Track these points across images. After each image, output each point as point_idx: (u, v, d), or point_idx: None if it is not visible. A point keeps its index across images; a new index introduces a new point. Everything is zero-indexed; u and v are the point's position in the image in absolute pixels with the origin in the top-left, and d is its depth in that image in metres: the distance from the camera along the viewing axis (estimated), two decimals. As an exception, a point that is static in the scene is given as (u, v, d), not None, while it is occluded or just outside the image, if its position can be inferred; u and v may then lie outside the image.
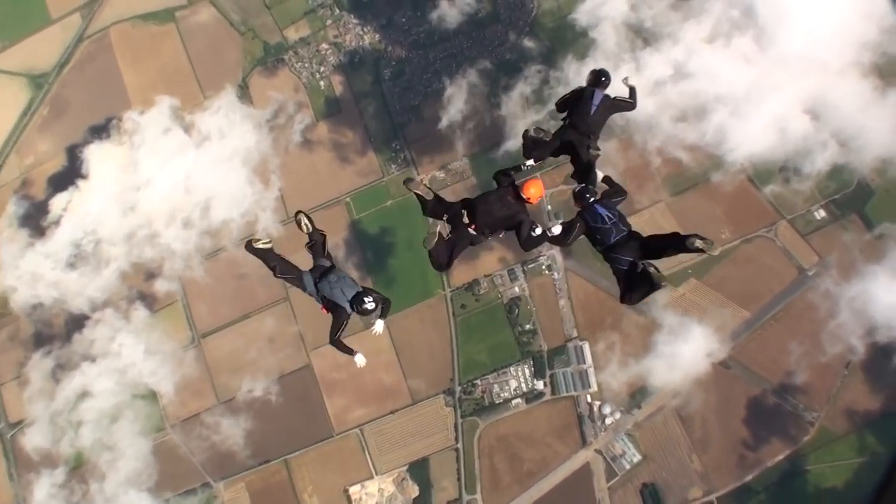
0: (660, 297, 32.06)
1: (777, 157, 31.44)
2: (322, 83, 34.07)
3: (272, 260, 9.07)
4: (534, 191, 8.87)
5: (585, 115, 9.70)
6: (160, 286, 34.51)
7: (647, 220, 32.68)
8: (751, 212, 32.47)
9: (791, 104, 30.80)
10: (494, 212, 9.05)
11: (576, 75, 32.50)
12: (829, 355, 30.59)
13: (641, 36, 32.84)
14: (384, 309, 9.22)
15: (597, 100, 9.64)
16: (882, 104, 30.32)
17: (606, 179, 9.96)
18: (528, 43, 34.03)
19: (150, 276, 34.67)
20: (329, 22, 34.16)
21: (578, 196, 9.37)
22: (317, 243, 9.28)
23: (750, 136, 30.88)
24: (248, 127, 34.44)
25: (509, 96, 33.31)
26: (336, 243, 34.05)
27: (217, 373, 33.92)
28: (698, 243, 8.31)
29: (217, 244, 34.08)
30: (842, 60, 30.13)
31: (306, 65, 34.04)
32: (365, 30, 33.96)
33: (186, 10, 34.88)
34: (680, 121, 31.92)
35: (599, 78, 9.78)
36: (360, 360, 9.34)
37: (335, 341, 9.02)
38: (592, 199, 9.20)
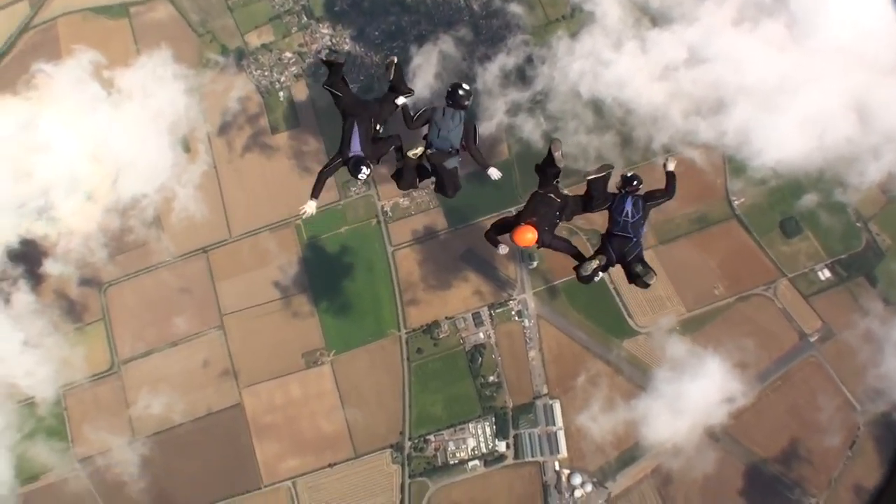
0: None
1: (813, 166, 27.12)
2: (281, 93, 31.60)
3: (338, 73, 8.99)
4: (530, 236, 8.67)
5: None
6: (51, 268, 30.09)
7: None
8: (748, 267, 29.93)
9: (832, 101, 26.31)
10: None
11: (566, 54, 28.68)
12: (835, 431, 27.77)
13: (649, 14, 29.48)
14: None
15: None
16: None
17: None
18: (516, 8, 30.76)
19: (42, 255, 30.28)
20: (295, 30, 31.83)
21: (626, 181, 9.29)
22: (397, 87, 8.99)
23: (780, 137, 26.69)
24: (179, 88, 30.32)
25: (486, 68, 29.57)
26: (283, 265, 30.82)
27: (134, 404, 29.89)
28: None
29: (126, 225, 29.71)
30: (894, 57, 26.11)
31: (266, 72, 31.58)
32: (334, 40, 31.34)
33: (142, 7, 32.60)
34: (693, 114, 28.05)
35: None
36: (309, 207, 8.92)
37: (321, 171, 8.74)
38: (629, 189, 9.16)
